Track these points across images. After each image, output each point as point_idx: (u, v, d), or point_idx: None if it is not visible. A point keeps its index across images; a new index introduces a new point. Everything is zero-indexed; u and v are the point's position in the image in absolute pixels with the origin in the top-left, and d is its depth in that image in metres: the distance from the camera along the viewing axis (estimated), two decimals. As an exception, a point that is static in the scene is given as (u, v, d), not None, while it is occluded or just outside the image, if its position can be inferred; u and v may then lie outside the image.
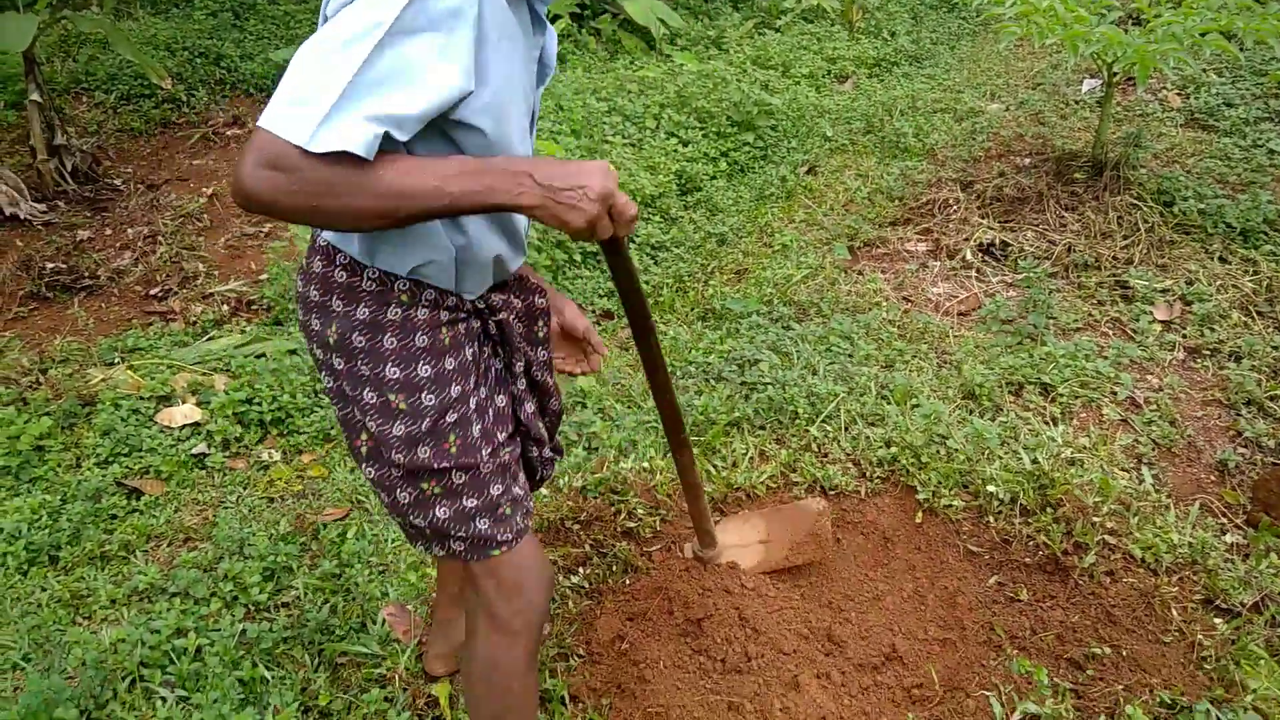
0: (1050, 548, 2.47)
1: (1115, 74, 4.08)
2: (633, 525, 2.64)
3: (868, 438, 2.88)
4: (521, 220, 1.56)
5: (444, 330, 1.47)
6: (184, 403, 3.30)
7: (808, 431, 2.94)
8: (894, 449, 2.79)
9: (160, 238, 4.53)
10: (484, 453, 1.53)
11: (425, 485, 1.52)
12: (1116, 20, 4.45)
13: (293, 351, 3.57)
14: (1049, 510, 2.55)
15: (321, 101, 1.14)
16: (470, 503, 1.54)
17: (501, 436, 1.58)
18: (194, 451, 3.14)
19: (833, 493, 2.71)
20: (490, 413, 1.57)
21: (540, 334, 1.71)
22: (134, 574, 2.58)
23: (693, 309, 4.04)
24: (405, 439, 1.48)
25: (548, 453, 1.78)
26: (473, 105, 1.29)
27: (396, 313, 1.44)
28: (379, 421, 1.48)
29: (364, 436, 1.54)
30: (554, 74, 1.46)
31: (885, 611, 2.40)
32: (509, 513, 1.58)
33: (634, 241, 4.39)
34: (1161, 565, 2.40)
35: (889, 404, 3.02)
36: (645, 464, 2.84)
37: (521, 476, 1.66)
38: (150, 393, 3.30)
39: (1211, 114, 5.04)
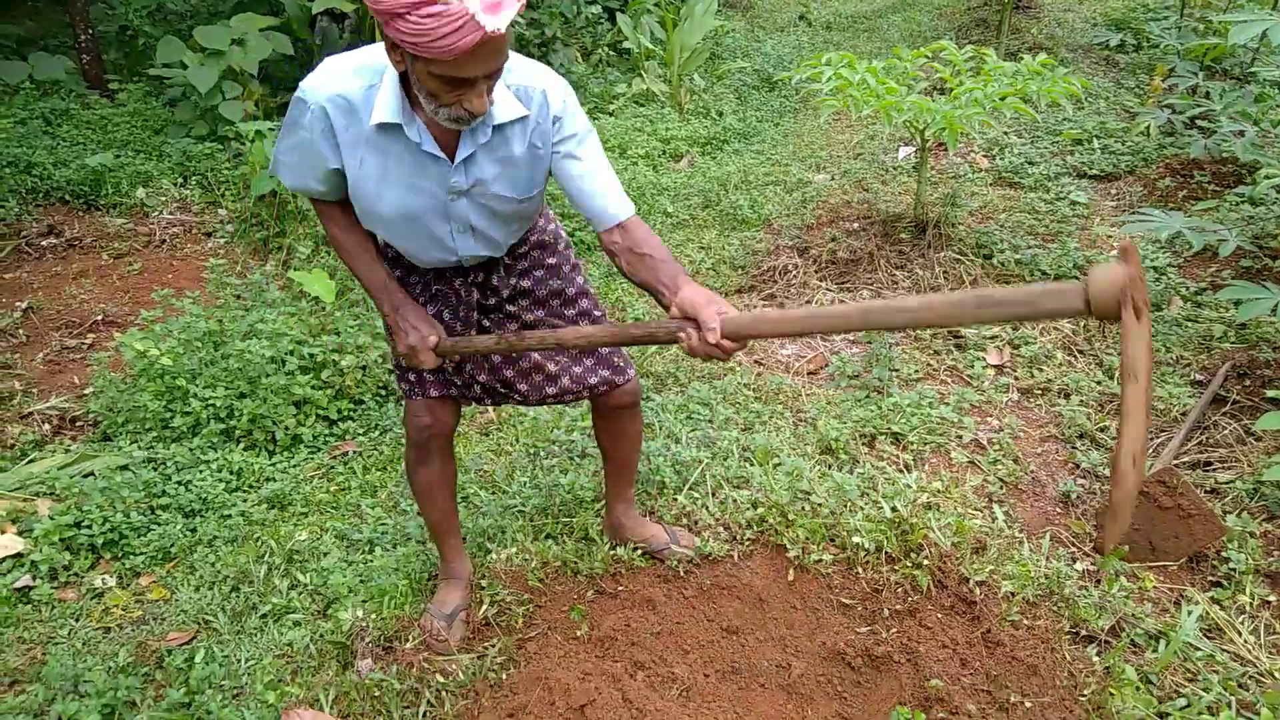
0: (919, 593, 2.52)
1: (927, 140, 4.36)
2: (504, 619, 2.54)
3: (735, 500, 2.89)
4: (446, 242, 2.11)
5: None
6: (2, 533, 3.01)
7: (676, 500, 2.93)
8: (760, 509, 2.81)
9: (-32, 357, 4.18)
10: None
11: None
12: (924, 90, 4.78)
13: (124, 467, 3.33)
14: (912, 556, 2.61)
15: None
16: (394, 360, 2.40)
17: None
18: (16, 585, 2.85)
19: (706, 559, 2.70)
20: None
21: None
22: (-52, 731, 2.30)
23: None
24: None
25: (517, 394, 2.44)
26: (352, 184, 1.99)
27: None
28: None
29: None
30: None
31: (768, 675, 2.38)
32: (412, 379, 2.36)
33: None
34: (1024, 599, 2.49)
35: (752, 465, 3.06)
36: (514, 549, 2.75)
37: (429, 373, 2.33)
38: (-39, 526, 3.00)
39: (1016, 172, 5.46)
